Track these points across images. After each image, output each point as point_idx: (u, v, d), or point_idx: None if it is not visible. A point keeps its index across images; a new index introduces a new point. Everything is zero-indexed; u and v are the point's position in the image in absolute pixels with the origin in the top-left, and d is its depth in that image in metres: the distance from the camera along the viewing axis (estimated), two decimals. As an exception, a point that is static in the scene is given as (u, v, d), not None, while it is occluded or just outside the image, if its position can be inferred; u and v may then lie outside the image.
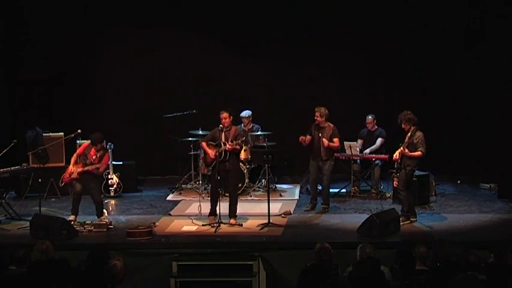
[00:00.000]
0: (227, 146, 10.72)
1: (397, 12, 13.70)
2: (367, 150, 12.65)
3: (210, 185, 11.36)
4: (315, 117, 11.39)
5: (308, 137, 11.44)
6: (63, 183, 11.20)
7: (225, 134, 10.82)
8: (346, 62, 13.96)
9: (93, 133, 10.94)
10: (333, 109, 13.80)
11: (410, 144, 10.48)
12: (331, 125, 11.42)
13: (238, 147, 10.88)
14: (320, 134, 11.31)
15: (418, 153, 10.45)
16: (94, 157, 10.83)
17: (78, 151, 11.04)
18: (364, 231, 10.00)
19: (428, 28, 13.72)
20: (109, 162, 10.87)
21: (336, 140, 11.36)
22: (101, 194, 11.37)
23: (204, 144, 11.03)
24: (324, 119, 11.38)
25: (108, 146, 11.67)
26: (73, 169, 10.82)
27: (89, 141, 10.97)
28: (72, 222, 10.59)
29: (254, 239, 10.14)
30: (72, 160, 10.94)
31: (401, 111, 10.67)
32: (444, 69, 13.82)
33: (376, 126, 12.85)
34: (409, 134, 10.50)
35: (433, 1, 13.72)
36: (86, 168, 10.78)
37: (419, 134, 10.51)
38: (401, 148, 10.52)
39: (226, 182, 10.85)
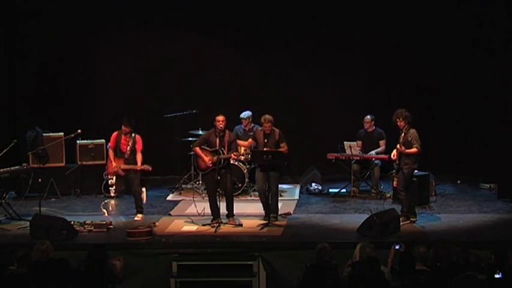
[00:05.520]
0: (232, 155, 10.71)
1: (398, 12, 13.69)
2: (373, 152, 12.63)
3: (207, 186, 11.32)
4: (266, 129, 10.82)
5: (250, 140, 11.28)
6: (110, 176, 11.42)
7: (219, 139, 10.76)
8: (346, 62, 13.96)
9: (125, 117, 11.18)
10: (333, 109, 13.91)
11: (405, 142, 10.50)
12: (277, 130, 10.93)
13: (242, 157, 11.18)
14: (266, 140, 10.90)
15: (413, 149, 10.47)
16: (128, 148, 11.05)
17: (111, 145, 11.24)
18: (364, 231, 10.00)
19: (430, 28, 13.71)
20: (143, 147, 11.17)
21: (283, 145, 10.87)
22: (139, 186, 11.44)
23: (197, 149, 10.89)
24: (271, 126, 10.88)
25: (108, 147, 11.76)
26: (117, 164, 11.06)
27: (116, 132, 11.16)
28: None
29: (254, 239, 10.14)
30: (111, 155, 11.17)
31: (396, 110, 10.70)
32: (445, 69, 13.81)
33: (374, 127, 12.85)
34: (404, 132, 10.53)
35: (434, 1, 13.72)
36: (129, 167, 11.05)
37: (412, 131, 10.55)
38: (398, 147, 10.55)
39: (222, 182, 10.80)
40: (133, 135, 11.11)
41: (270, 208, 10.85)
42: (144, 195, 11.64)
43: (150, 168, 11.07)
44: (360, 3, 13.82)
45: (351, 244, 8.73)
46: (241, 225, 10.71)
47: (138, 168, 11.05)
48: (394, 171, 10.81)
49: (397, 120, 10.59)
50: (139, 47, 14.26)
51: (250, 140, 11.45)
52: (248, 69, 14.26)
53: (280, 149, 10.84)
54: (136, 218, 11.04)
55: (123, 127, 11.10)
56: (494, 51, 13.56)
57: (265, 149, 10.86)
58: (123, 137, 11.11)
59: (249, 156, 11.87)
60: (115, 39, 14.32)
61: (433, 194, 12.33)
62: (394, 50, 13.85)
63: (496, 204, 11.85)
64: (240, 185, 12.40)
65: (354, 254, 8.07)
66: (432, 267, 7.71)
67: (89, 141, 12.98)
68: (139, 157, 11.09)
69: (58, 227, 10.02)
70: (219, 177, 10.62)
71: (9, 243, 9.84)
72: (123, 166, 11.06)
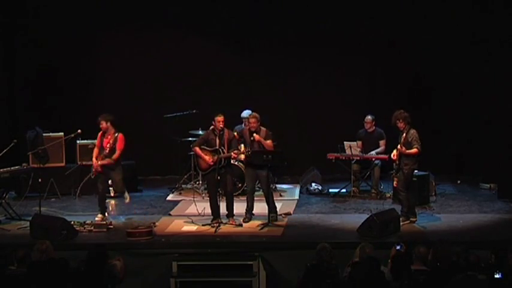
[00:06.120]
0: (232, 154, 10.71)
1: (398, 12, 13.70)
2: (373, 152, 12.63)
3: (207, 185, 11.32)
4: (251, 125, 10.86)
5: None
6: (94, 176, 11.29)
7: (219, 138, 10.76)
8: (346, 62, 13.96)
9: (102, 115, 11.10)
10: (333, 109, 13.91)
11: (406, 142, 10.52)
12: (264, 129, 10.96)
13: (242, 156, 11.04)
14: (252, 138, 10.88)
15: (414, 150, 10.49)
16: (108, 145, 10.96)
17: (96, 143, 11.17)
18: (364, 231, 9.99)
19: (430, 28, 13.71)
20: (123, 147, 11.04)
21: (269, 141, 10.87)
22: (123, 184, 11.26)
23: (197, 149, 10.90)
24: (258, 124, 10.91)
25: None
26: (96, 163, 10.98)
27: (101, 131, 11.09)
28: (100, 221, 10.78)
29: (254, 239, 10.15)
30: (94, 153, 11.11)
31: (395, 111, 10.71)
32: (445, 69, 13.81)
33: (374, 127, 12.84)
34: (404, 133, 10.54)
35: (434, 1, 13.72)
36: (101, 163, 10.92)
37: (412, 131, 10.56)
38: (399, 147, 10.56)
39: (223, 182, 10.81)
40: (116, 134, 11.04)
41: (270, 207, 10.83)
42: (127, 195, 11.52)
43: (113, 162, 10.89)
44: (360, 4, 13.82)
45: (351, 244, 8.75)
46: (241, 225, 10.71)
47: (109, 162, 10.89)
48: (393, 171, 10.82)
49: (397, 121, 10.60)
50: (139, 47, 14.26)
51: (235, 133, 11.40)
52: (248, 69, 14.26)
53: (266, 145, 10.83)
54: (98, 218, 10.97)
55: (103, 122, 11.04)
56: (495, 51, 13.55)
57: (254, 137, 10.78)
58: (105, 136, 11.06)
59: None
60: (115, 39, 14.33)
61: (433, 194, 12.33)
62: (394, 50, 13.85)
63: (496, 204, 11.85)
64: (240, 185, 12.39)
65: (354, 254, 8.07)
66: (432, 267, 7.71)
67: (89, 141, 12.96)
68: (115, 154, 10.95)
69: (58, 227, 10.03)
70: (219, 177, 10.63)
71: (9, 243, 9.83)
72: (100, 162, 10.98)
